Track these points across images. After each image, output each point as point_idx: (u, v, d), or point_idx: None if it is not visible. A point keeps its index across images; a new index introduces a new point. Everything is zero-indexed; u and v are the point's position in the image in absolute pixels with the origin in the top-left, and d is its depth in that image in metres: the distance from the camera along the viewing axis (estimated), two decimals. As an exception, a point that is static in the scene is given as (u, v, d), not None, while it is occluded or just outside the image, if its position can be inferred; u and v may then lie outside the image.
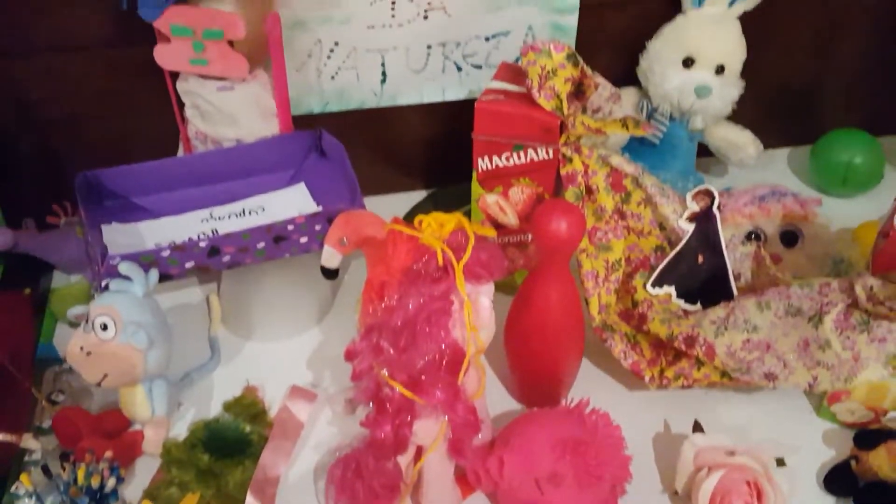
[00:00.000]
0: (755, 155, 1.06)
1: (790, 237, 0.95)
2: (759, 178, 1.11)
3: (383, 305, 0.68)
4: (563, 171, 0.85)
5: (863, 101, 1.15)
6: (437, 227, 0.71)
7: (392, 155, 1.10)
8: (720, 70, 0.99)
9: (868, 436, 0.78)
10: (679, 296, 0.88)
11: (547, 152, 0.85)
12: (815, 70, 1.12)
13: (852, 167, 1.06)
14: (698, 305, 0.88)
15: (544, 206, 0.75)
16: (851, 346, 0.75)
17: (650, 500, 0.78)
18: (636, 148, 1.05)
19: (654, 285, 0.87)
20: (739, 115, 1.09)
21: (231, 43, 0.83)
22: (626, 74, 1.05)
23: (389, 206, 1.09)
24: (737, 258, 0.89)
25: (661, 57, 0.99)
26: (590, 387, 0.86)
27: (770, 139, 1.16)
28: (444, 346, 0.69)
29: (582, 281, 0.85)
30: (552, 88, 0.82)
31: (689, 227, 0.87)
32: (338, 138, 0.94)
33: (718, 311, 0.83)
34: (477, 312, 0.71)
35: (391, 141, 1.09)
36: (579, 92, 0.84)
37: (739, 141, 1.05)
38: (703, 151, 1.08)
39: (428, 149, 1.10)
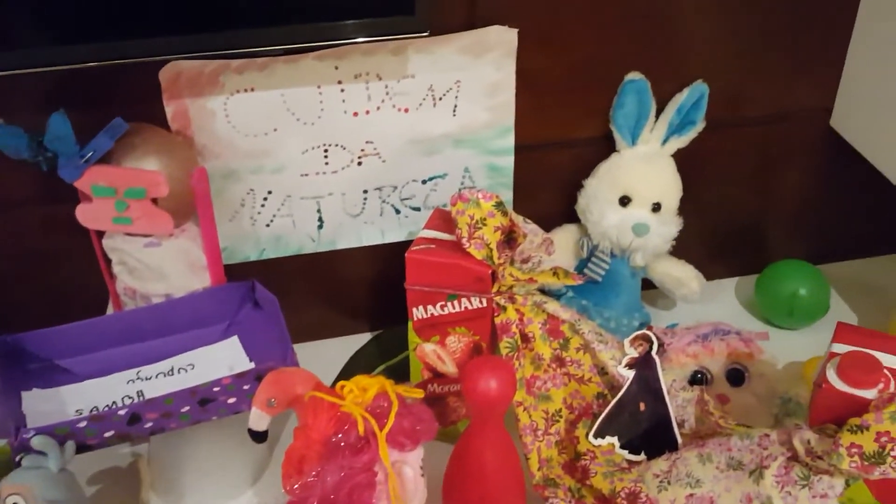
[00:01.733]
0: (698, 290, 1.05)
1: (736, 376, 0.94)
2: (708, 311, 1.11)
3: (303, 482, 0.65)
4: (497, 321, 0.83)
5: (805, 231, 1.15)
6: (359, 392, 0.69)
7: (335, 298, 1.09)
8: (656, 208, 0.99)
9: None
10: (622, 446, 0.85)
11: (481, 301, 0.84)
12: (756, 203, 1.12)
13: (798, 299, 1.05)
14: (643, 455, 0.85)
15: (472, 364, 0.73)
16: (793, 502, 0.72)
17: None
18: (581, 286, 1.03)
19: (595, 436, 0.85)
20: (685, 248, 1.09)
21: (155, 200, 0.81)
22: (566, 212, 1.04)
23: (334, 351, 1.07)
24: (679, 404, 0.86)
25: (597, 196, 0.99)
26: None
27: (717, 271, 1.17)
28: (368, 522, 0.65)
29: (520, 436, 0.82)
30: (482, 238, 0.81)
31: (629, 374, 0.85)
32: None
33: (661, 465, 0.80)
34: (402, 483, 0.67)
35: (334, 284, 1.07)
36: (510, 240, 0.83)
37: (682, 276, 1.05)
38: (651, 285, 1.07)
39: (371, 290, 1.09)
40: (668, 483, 0.78)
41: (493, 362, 0.73)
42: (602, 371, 0.86)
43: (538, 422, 0.84)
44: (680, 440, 0.84)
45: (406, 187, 0.99)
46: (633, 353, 0.86)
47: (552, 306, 0.85)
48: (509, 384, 0.72)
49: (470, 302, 0.84)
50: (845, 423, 0.68)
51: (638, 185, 0.98)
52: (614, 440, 0.85)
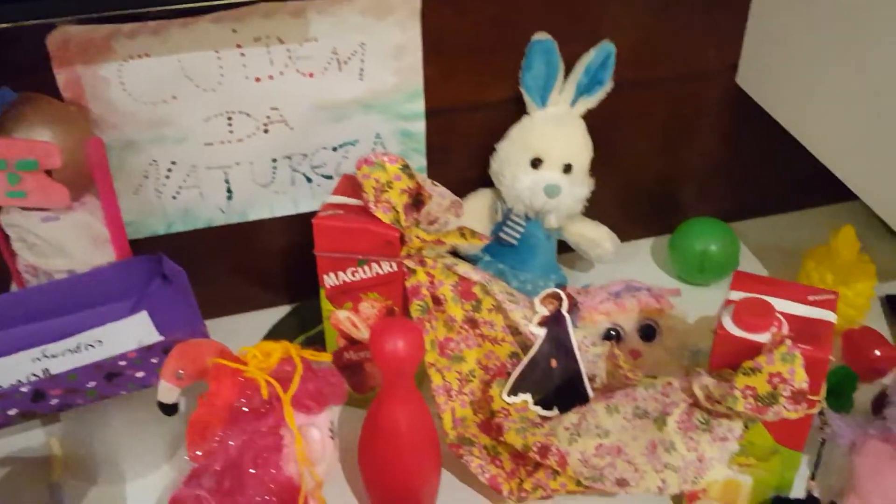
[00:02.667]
0: (612, 250, 1.07)
1: (648, 331, 0.95)
2: (624, 271, 1.12)
3: (206, 448, 0.64)
4: (407, 285, 0.83)
5: (716, 190, 1.17)
6: (262, 357, 0.68)
7: (252, 270, 1.07)
8: (567, 169, 0.99)
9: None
10: (536, 403, 0.86)
11: (391, 265, 0.83)
12: (668, 163, 1.14)
13: (708, 255, 1.07)
14: (555, 411, 0.86)
15: (378, 326, 0.73)
16: (695, 446, 0.74)
17: None
18: (497, 250, 1.04)
19: (509, 394, 0.85)
20: (600, 210, 1.10)
21: (50, 172, 0.79)
22: (481, 176, 1.05)
23: (254, 324, 1.05)
24: (590, 359, 0.87)
25: (509, 159, 1.00)
26: (453, 501, 0.83)
27: (633, 231, 1.18)
28: (273, 487, 0.65)
29: (433, 396, 0.83)
30: (388, 201, 0.81)
31: (541, 332, 0.86)
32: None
33: (571, 417, 0.81)
34: (309, 446, 0.67)
35: (250, 256, 1.06)
36: (417, 202, 0.83)
37: (596, 237, 1.06)
38: (567, 247, 1.08)
39: (287, 262, 1.07)
40: (579, 435, 0.79)
41: (399, 324, 0.73)
42: (514, 331, 0.87)
43: (452, 382, 0.84)
44: (591, 394, 0.85)
45: (317, 155, 0.98)
46: (543, 311, 0.86)
47: (463, 268, 0.85)
48: (416, 345, 0.72)
49: (380, 267, 0.84)
50: (740, 366, 0.69)
51: (548, 147, 0.98)
52: (527, 397, 0.86)
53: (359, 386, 0.92)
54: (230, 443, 0.63)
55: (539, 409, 0.86)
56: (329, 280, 0.86)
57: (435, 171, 1.05)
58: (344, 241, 0.83)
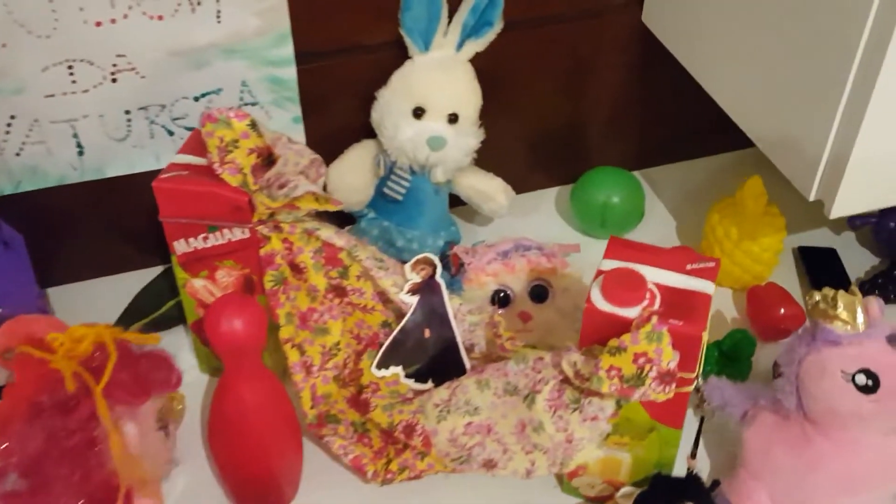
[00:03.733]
0: (506, 203, 1.00)
1: (539, 293, 0.89)
2: (526, 224, 1.06)
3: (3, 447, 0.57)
4: (261, 253, 0.76)
5: (622, 136, 1.11)
6: (71, 344, 0.61)
7: (119, 230, 0.99)
8: (453, 119, 0.91)
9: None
10: (408, 376, 0.80)
11: (243, 232, 0.76)
12: (570, 108, 1.06)
13: (610, 207, 1.01)
14: (430, 384, 0.80)
15: (213, 305, 0.66)
16: (564, 426, 0.68)
17: None
18: (382, 206, 0.97)
19: (378, 367, 0.79)
20: (499, 160, 1.03)
21: None
22: (365, 126, 0.96)
23: (122, 287, 0.98)
24: (467, 328, 0.81)
25: (390, 108, 0.92)
26: (324, 481, 0.78)
27: (536, 180, 1.11)
28: (87, 488, 0.58)
29: (290, 375, 0.76)
30: (234, 162, 0.73)
31: (412, 301, 0.80)
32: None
33: (442, 393, 0.75)
34: (126, 442, 0.61)
35: (115, 215, 0.98)
36: (270, 163, 0.75)
37: (488, 190, 0.99)
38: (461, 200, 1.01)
39: (155, 220, 0.99)
40: (448, 412, 0.74)
41: (235, 301, 0.66)
42: (386, 298, 0.80)
43: (314, 357, 0.78)
44: (468, 366, 0.80)
45: (176, 106, 0.89)
46: (415, 278, 0.80)
47: (326, 233, 0.78)
48: (256, 323, 0.65)
49: (232, 233, 0.76)
50: (606, 344, 0.63)
51: (431, 96, 0.90)
52: (398, 370, 0.80)
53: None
54: (28, 443, 0.56)
55: (411, 383, 0.80)
56: (179, 247, 0.78)
57: (313, 122, 0.96)
58: (190, 205, 0.75)
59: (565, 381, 0.69)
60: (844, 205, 0.74)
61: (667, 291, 0.66)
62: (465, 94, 0.92)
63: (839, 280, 0.99)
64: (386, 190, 0.95)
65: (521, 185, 1.10)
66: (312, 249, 0.77)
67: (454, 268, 0.92)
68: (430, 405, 0.75)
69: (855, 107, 0.68)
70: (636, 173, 1.13)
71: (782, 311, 0.91)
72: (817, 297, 0.70)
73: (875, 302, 0.69)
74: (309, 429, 0.76)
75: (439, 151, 0.91)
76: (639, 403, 0.69)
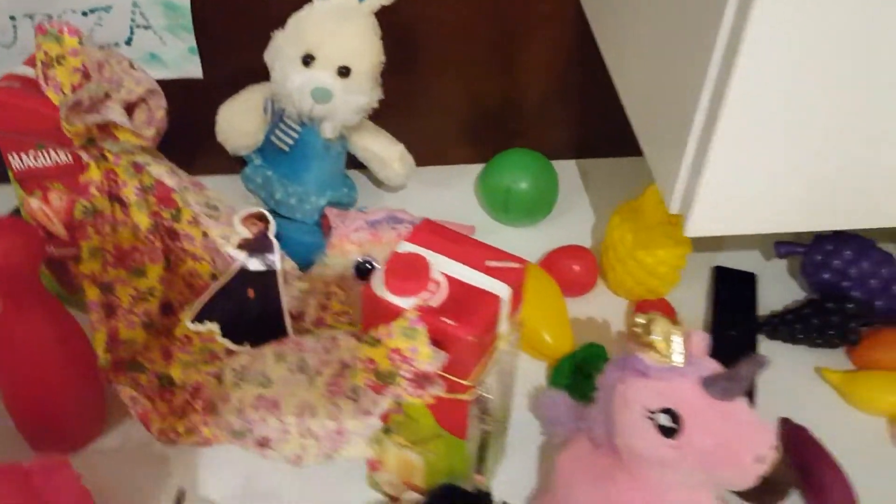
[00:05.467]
0: (402, 172, 0.94)
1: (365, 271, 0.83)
2: (437, 198, 1.01)
3: None
4: (80, 180, 0.72)
5: (556, 122, 1.03)
6: None
7: None
8: (344, 72, 0.86)
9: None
10: (225, 335, 0.76)
11: (67, 155, 0.72)
12: (504, 85, 0.99)
13: (513, 194, 0.94)
14: (247, 346, 0.76)
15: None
16: (338, 415, 0.63)
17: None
18: (270, 154, 0.92)
19: (194, 320, 0.75)
20: (422, 127, 0.98)
21: None
22: (264, 68, 0.91)
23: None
24: (295, 295, 0.76)
25: (281, 51, 0.86)
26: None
27: (460, 154, 1.05)
28: None
29: (89, 312, 0.73)
30: (55, 79, 0.69)
31: (239, 256, 0.75)
32: None
33: (242, 359, 0.71)
34: None
35: None
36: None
37: (384, 155, 0.93)
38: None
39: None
40: (243, 380, 0.70)
41: (5, 226, 0.62)
42: (216, 248, 0.76)
43: (122, 298, 0.74)
44: (291, 333, 0.75)
45: (63, 17, 0.86)
46: (244, 233, 0.75)
47: (157, 170, 0.74)
48: (20, 248, 0.62)
49: (58, 155, 0.73)
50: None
51: (322, 44, 0.85)
52: (215, 327, 0.76)
53: (68, 285, 0.83)
54: None
55: (228, 342, 0.76)
56: (14, 162, 0.75)
57: (213, 56, 0.92)
58: (15, 119, 0.72)
59: (347, 367, 0.63)
60: (699, 224, 0.66)
61: (458, 287, 0.60)
62: (361, 48, 0.86)
63: (744, 309, 0.90)
64: (273, 138, 0.91)
65: (441, 157, 1.04)
66: (139, 185, 0.73)
67: (325, 229, 0.88)
68: (229, 370, 0.70)
69: (709, 121, 0.60)
70: (570, 163, 1.06)
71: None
72: (638, 319, 0.63)
73: (698, 336, 0.62)
74: (100, 372, 0.73)
75: (324, 104, 0.86)
76: (424, 406, 0.63)
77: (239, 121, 0.91)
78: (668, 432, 0.60)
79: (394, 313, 0.58)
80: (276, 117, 0.90)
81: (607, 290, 0.92)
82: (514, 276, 0.61)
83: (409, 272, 0.59)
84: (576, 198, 1.02)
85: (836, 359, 0.85)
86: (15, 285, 0.64)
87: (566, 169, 1.05)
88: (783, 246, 0.92)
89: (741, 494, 0.74)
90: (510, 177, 0.94)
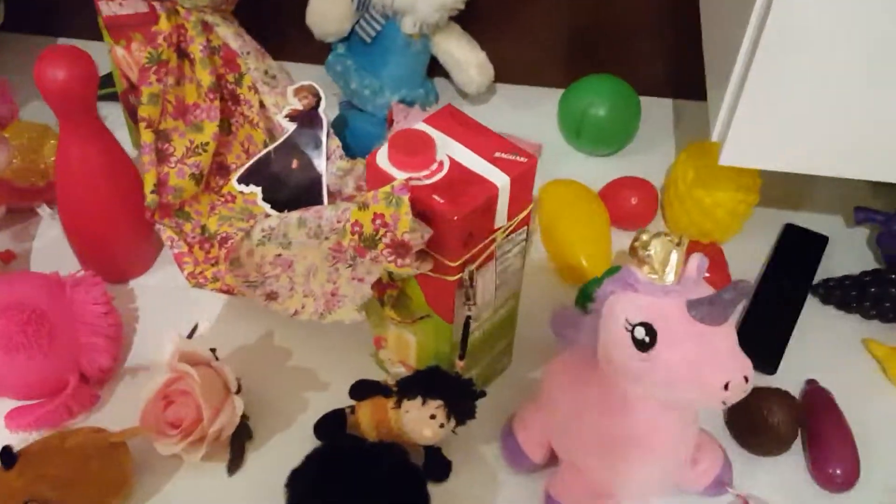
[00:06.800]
0: (479, 80, 0.94)
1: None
2: (518, 115, 1.01)
3: None
4: (151, 29, 0.77)
5: (664, 54, 0.99)
6: None
7: None
8: (430, -33, 0.86)
9: (362, 387, 0.70)
10: (265, 199, 0.79)
11: (145, 4, 0.77)
12: (600, 9, 0.96)
13: (588, 118, 0.92)
14: (286, 213, 0.79)
15: (41, 56, 0.68)
16: (335, 279, 0.66)
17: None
18: (354, 44, 0.95)
19: (240, 181, 0.79)
20: (517, 41, 0.97)
21: None
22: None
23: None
24: (334, 172, 0.79)
25: (375, -63, 0.88)
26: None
27: (554, 76, 1.03)
28: None
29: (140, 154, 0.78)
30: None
31: (289, 126, 0.78)
32: None
33: (272, 220, 0.74)
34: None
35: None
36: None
37: (462, 59, 0.94)
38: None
39: None
40: (269, 239, 0.73)
41: (63, 52, 0.68)
42: (269, 116, 0.79)
43: (177, 148, 0.79)
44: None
45: None
46: (296, 104, 0.78)
47: (224, 31, 0.78)
48: (83, 77, 0.68)
49: (138, 4, 0.78)
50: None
51: (411, -65, 0.86)
52: (258, 190, 0.79)
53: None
54: None
55: (267, 207, 0.79)
56: (103, 7, 0.81)
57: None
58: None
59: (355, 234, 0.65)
60: (732, 153, 0.63)
61: (458, 170, 0.60)
62: (451, -56, 0.86)
63: (803, 269, 0.86)
64: (357, 28, 0.93)
65: (529, 76, 1.03)
66: (205, 43, 0.77)
67: (388, 123, 0.90)
68: (259, 229, 0.74)
69: (749, 53, 0.57)
70: (665, 101, 1.02)
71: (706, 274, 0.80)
72: (642, 236, 0.61)
73: (697, 260, 0.59)
74: (145, 212, 0.78)
75: (404, -2, 0.87)
76: (417, 285, 0.65)
77: (328, 6, 0.94)
78: (641, 346, 0.58)
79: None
80: (363, 7, 0.92)
81: (664, 228, 0.90)
82: (520, 169, 0.60)
83: (412, 148, 0.60)
84: (661, 136, 0.99)
85: (885, 334, 0.80)
86: (71, 107, 0.70)
87: (660, 106, 1.02)
88: (862, 212, 0.86)
89: (742, 440, 0.72)
90: (587, 101, 0.92)
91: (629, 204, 0.88)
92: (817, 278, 0.85)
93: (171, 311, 0.80)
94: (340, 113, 0.95)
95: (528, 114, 1.01)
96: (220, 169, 0.83)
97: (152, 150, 0.77)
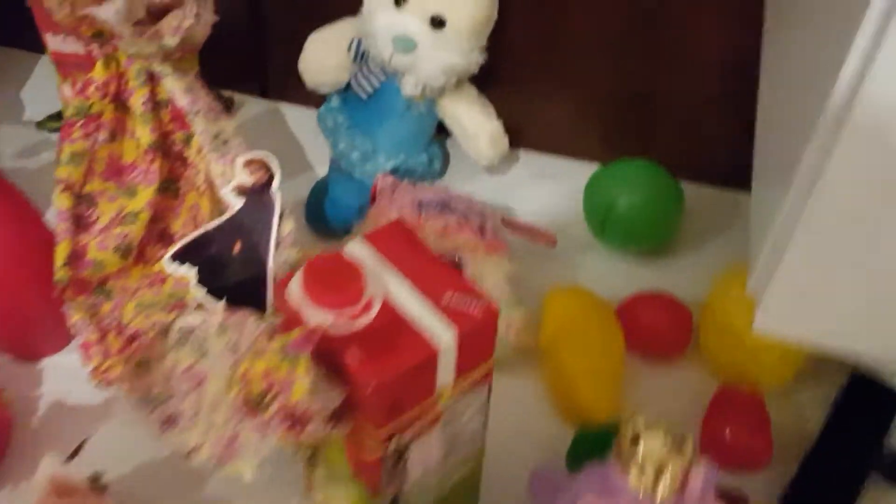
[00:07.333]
0: (490, 154, 0.79)
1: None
2: (542, 189, 0.85)
3: None
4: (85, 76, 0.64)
5: (708, 133, 0.83)
6: None
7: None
8: (437, 23, 0.72)
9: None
10: (201, 283, 0.66)
11: (77, 44, 0.65)
12: (649, 76, 0.81)
13: (614, 211, 0.76)
14: (219, 305, 0.65)
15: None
16: (238, 421, 0.51)
17: None
18: (350, 98, 0.81)
19: (172, 258, 0.66)
20: (543, 105, 0.82)
21: None
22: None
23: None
24: (281, 262, 0.65)
25: (376, -17, 0.74)
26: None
27: (585, 147, 0.88)
28: None
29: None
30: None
31: (236, 202, 0.65)
32: None
33: (195, 318, 0.60)
34: None
35: None
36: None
37: (472, 129, 0.79)
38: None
39: None
40: (186, 342, 0.59)
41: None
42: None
43: (104, 215, 0.66)
44: (270, 307, 0.64)
45: None
46: (244, 177, 0.64)
47: (171, 84, 0.64)
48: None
49: (75, 43, 0.65)
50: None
51: (417, -19, 0.71)
52: (192, 273, 0.66)
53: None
54: None
55: (201, 293, 0.65)
56: (51, 42, 0.69)
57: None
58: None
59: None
60: (767, 316, 0.47)
61: (392, 317, 0.45)
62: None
63: (871, 434, 0.68)
64: (352, 81, 0.79)
65: (564, 144, 0.88)
66: (148, 97, 0.64)
67: (371, 199, 0.75)
68: (178, 326, 0.60)
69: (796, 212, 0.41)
70: (719, 192, 0.85)
71: (728, 431, 0.64)
72: (634, 426, 0.45)
73: (703, 473, 0.43)
74: (55, 290, 0.65)
75: (406, 55, 0.73)
76: (341, 446, 0.50)
77: (323, 53, 0.81)
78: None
79: (300, 324, 0.45)
80: (359, 57, 0.78)
81: (698, 362, 0.73)
82: (473, 324, 0.45)
83: (334, 279, 0.45)
84: (707, 237, 0.82)
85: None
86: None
87: (711, 199, 0.85)
88: (951, 372, 0.68)
89: None
90: (616, 190, 0.76)
91: (654, 327, 0.71)
92: (886, 449, 0.67)
93: (82, 400, 0.67)
94: (325, 175, 0.81)
95: (551, 190, 0.86)
96: (162, 238, 0.70)
97: (68, 218, 0.64)
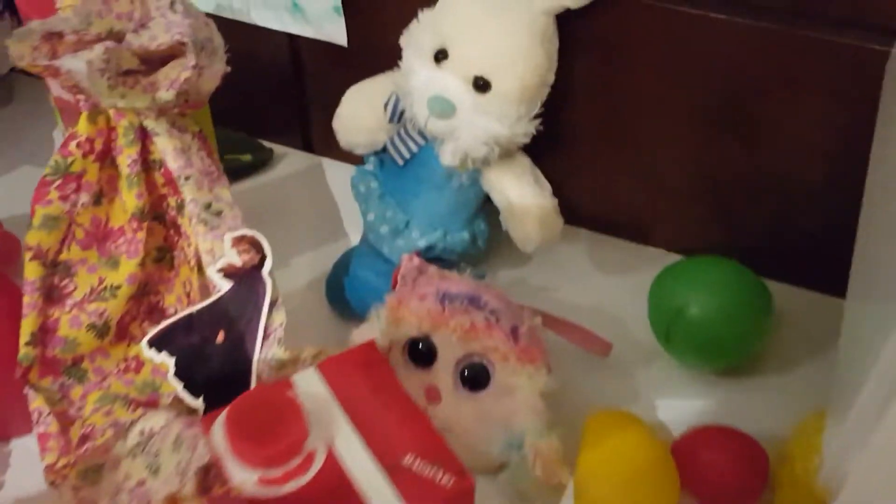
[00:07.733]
0: (537, 238, 0.67)
1: (474, 375, 0.59)
2: (607, 279, 0.74)
3: None
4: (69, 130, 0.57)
5: (810, 229, 0.69)
6: None
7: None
8: (481, 85, 0.62)
9: None
10: (178, 375, 0.57)
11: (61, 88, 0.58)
12: (742, 161, 0.68)
13: (682, 318, 0.63)
14: (200, 402, 0.56)
15: None
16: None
17: None
18: (387, 162, 0.71)
19: (150, 344, 0.57)
20: (620, 186, 0.71)
21: None
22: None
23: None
24: (268, 359, 0.55)
25: (417, 38, 0.64)
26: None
27: (664, 235, 0.75)
28: None
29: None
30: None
31: (223, 285, 0.56)
32: None
33: (156, 422, 0.52)
34: None
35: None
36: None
37: (520, 206, 0.67)
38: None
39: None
40: (139, 453, 0.51)
41: None
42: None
43: (80, 287, 0.58)
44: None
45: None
46: (232, 257, 0.55)
47: (163, 143, 0.56)
48: None
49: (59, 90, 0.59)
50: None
51: (460, 37, 0.62)
52: (170, 361, 0.57)
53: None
54: None
55: (178, 386, 0.57)
56: (53, 87, 0.63)
57: (355, 23, 0.73)
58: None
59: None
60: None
61: (335, 478, 0.35)
62: (512, 56, 0.61)
63: None
64: (388, 144, 0.69)
65: (634, 229, 0.76)
66: (135, 156, 0.56)
67: (392, 283, 0.65)
68: (137, 430, 0.52)
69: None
70: (826, 298, 0.71)
71: None
72: None
73: None
74: (17, 369, 0.57)
75: (442, 120, 0.63)
76: None
77: (361, 110, 0.71)
78: None
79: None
80: (396, 117, 0.68)
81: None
82: (434, 497, 0.34)
83: (264, 426, 0.35)
84: (803, 353, 0.68)
85: None
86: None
87: (809, 304, 0.71)
88: None
89: None
90: (686, 295, 0.63)
91: (719, 472, 0.58)
92: None
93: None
94: (353, 247, 0.72)
95: (614, 283, 0.74)
96: (151, 313, 0.62)
97: (38, 289, 0.57)
